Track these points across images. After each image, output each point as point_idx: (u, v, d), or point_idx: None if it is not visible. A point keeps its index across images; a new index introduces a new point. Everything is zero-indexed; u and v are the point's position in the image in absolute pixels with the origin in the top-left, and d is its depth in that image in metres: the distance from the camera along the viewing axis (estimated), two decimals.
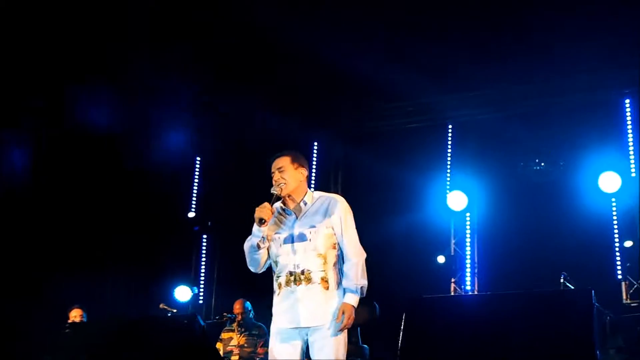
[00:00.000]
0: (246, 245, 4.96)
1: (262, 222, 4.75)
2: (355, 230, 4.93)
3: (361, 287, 4.78)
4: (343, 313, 4.67)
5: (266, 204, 4.78)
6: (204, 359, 4.66)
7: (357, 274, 4.80)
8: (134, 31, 8.92)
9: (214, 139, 11.84)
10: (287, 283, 4.81)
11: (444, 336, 4.20)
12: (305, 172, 5.03)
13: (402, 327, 4.38)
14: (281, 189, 4.88)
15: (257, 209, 4.78)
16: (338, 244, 4.88)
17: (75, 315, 9.00)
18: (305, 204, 4.96)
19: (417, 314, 4.41)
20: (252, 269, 5.03)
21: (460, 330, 4.16)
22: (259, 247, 4.88)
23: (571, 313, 4.01)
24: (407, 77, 9.66)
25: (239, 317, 8.71)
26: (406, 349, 4.29)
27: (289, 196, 4.95)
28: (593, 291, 4.09)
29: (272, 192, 4.89)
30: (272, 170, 4.98)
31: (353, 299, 4.74)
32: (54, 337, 7.08)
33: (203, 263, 11.91)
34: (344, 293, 4.76)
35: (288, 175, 4.94)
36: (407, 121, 10.84)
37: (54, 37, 8.94)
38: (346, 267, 4.82)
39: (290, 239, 4.86)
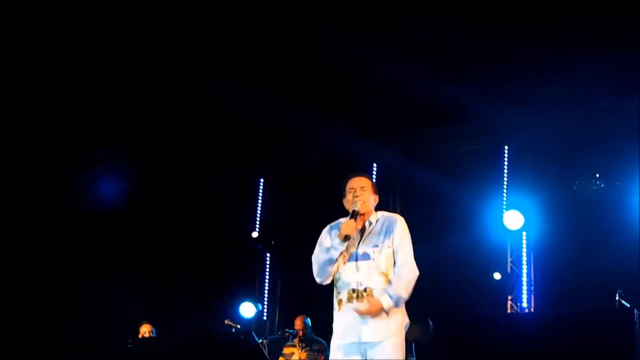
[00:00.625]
0: (322, 256, 5.05)
1: (347, 238, 4.91)
2: (410, 248, 5.03)
3: (398, 297, 4.87)
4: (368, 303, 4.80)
5: (352, 220, 4.93)
6: None
7: (400, 284, 4.90)
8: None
9: (275, 160, 12.18)
10: (349, 300, 4.94)
11: (489, 353, 4.34)
12: (377, 199, 5.19)
13: (450, 345, 4.54)
14: (362, 205, 5.03)
15: (342, 224, 4.93)
16: None
17: (145, 331, 9.18)
18: (370, 223, 5.09)
19: (464, 332, 4.54)
20: (318, 280, 5.10)
21: (505, 347, 4.30)
22: (336, 260, 5.01)
23: (614, 332, 4.12)
24: (464, 99, 9.83)
25: (300, 333, 8.89)
26: None
27: (361, 215, 5.06)
28: (635, 310, 4.22)
29: (354, 209, 5.00)
30: (353, 186, 5.11)
31: (386, 301, 4.83)
32: (118, 351, 7.40)
33: (266, 280, 12.20)
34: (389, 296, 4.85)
35: (367, 195, 5.08)
36: (465, 143, 10.99)
37: None
38: (394, 277, 4.93)
39: (355, 257, 5.00)
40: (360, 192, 5.08)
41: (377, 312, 4.85)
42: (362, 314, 4.87)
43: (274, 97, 10.00)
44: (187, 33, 9.24)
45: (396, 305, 4.89)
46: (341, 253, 5.00)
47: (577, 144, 10.07)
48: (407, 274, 4.97)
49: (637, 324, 4.19)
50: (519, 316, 7.33)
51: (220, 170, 11.49)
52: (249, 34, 9.33)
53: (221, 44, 9.34)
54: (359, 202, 5.04)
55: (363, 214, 5.09)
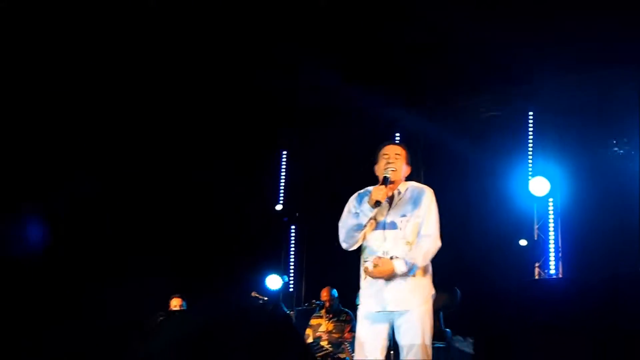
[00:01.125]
0: (350, 222, 5.08)
1: (377, 204, 4.92)
2: (437, 220, 5.05)
3: (413, 264, 4.89)
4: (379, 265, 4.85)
5: (382, 186, 4.95)
6: (287, 344, 4.77)
7: (419, 253, 4.92)
8: None
9: (298, 132, 12.16)
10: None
11: (517, 320, 4.34)
12: (409, 171, 5.22)
13: (478, 313, 4.55)
14: (393, 173, 5.06)
15: (374, 190, 4.96)
16: None
17: (176, 304, 9.30)
18: (399, 193, 5.12)
19: (492, 300, 4.56)
20: (344, 245, 5.15)
21: (533, 314, 4.30)
22: (365, 226, 5.04)
23: None
24: (488, 65, 9.75)
25: (327, 304, 8.92)
26: (483, 333, 4.46)
27: (390, 183, 5.09)
28: None
29: (385, 175, 5.03)
30: (387, 152, 5.14)
31: (399, 265, 4.87)
32: (150, 326, 7.47)
33: (292, 252, 12.26)
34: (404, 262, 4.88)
35: (399, 164, 5.11)
36: (489, 110, 10.91)
37: None
38: (415, 245, 4.94)
39: (382, 226, 5.04)
40: (394, 159, 5.10)
41: (389, 274, 4.87)
42: (373, 275, 4.88)
43: (296, 67, 9.89)
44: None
45: (409, 271, 4.91)
46: (370, 219, 5.00)
47: (602, 108, 9.96)
48: (429, 244, 4.99)
49: None
50: (546, 282, 7.29)
51: (244, 144, 11.48)
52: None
53: (241, 11, 9.25)
54: (390, 170, 5.05)
55: (393, 182, 5.09)
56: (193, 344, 4.83)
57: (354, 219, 5.06)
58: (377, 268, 4.88)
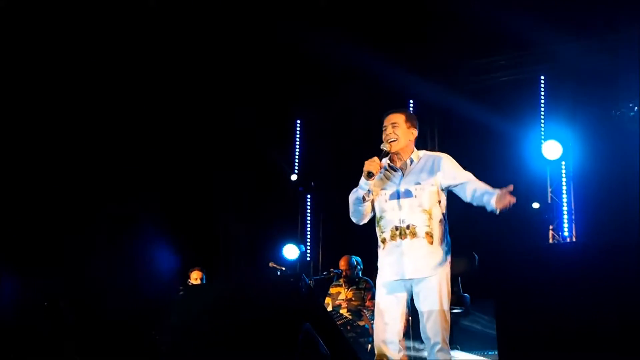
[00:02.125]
0: (351, 197, 5.15)
1: (370, 175, 4.94)
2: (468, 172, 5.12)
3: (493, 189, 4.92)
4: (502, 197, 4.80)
5: (375, 158, 4.98)
6: (310, 315, 4.82)
7: (486, 185, 4.98)
8: None
9: (313, 101, 12.19)
10: (393, 237, 5.02)
11: (534, 283, 4.40)
12: (415, 132, 5.22)
13: (496, 277, 4.61)
14: (391, 146, 5.09)
15: (366, 162, 4.98)
16: (443, 199, 5.08)
17: (196, 277, 9.33)
18: (412, 161, 5.14)
19: (509, 264, 4.61)
20: (354, 220, 5.24)
21: (549, 277, 4.36)
22: (364, 199, 5.07)
23: None
24: (500, 30, 9.73)
25: (345, 273, 8.93)
26: (501, 299, 4.52)
27: (397, 154, 5.14)
28: None
29: (382, 148, 5.09)
30: (385, 124, 5.17)
31: (495, 191, 4.88)
32: (170, 298, 7.56)
33: (308, 222, 12.34)
34: (486, 198, 4.89)
35: (400, 132, 5.12)
36: (501, 74, 10.92)
37: None
38: (477, 188, 4.98)
39: (397, 195, 5.06)
40: (391, 130, 5.12)
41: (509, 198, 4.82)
42: (504, 207, 4.85)
43: (311, 36, 9.90)
44: None
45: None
46: (369, 192, 5.07)
47: (613, 71, 9.95)
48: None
49: None
50: (561, 246, 7.35)
51: (259, 114, 11.52)
52: None
53: None
54: (389, 141, 5.10)
55: (396, 152, 5.14)
56: (213, 318, 4.93)
57: (353, 194, 5.15)
58: (503, 203, 4.84)
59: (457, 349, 7.93)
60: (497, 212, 4.89)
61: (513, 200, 4.80)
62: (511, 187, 4.83)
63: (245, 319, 4.69)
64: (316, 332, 4.53)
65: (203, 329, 4.80)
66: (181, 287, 8.76)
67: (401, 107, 5.32)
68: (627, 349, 3.99)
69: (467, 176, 5.09)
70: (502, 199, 4.83)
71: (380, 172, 5.10)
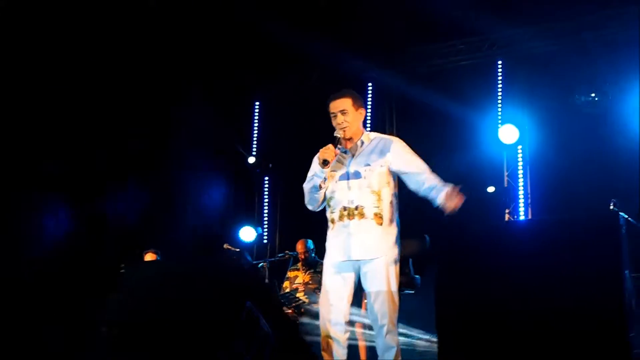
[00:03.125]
0: (307, 186, 5.17)
1: (325, 163, 4.96)
2: (419, 158, 5.12)
3: (443, 183, 4.98)
4: (451, 196, 4.85)
5: (330, 146, 4.99)
6: (252, 292, 4.82)
7: (437, 177, 5.02)
8: None
9: (270, 83, 12.13)
10: (341, 218, 5.03)
11: (486, 262, 4.42)
12: (363, 112, 5.22)
13: (447, 257, 4.61)
14: (344, 132, 5.08)
15: (320, 150, 5.01)
16: (393, 181, 5.08)
17: (150, 259, 9.13)
18: (362, 143, 5.15)
19: (462, 243, 4.61)
20: (310, 207, 5.25)
21: (500, 255, 4.38)
22: (320, 187, 5.08)
23: (601, 236, 4.19)
24: (457, 14, 9.74)
25: (302, 256, 8.95)
26: (443, 279, 4.53)
27: (349, 138, 5.14)
28: (621, 214, 4.32)
29: (335, 135, 5.07)
30: (333, 111, 5.14)
31: (446, 186, 4.93)
32: (114, 276, 7.47)
33: (265, 204, 12.30)
34: (434, 193, 4.95)
35: (350, 117, 5.11)
36: (459, 59, 10.94)
37: None
38: (426, 180, 5.03)
39: (346, 176, 5.06)
40: (342, 118, 5.10)
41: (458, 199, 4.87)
42: (453, 208, 4.88)
43: (268, 18, 9.87)
44: None
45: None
46: (325, 180, 5.07)
47: (570, 56, 10.01)
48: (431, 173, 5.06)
49: (624, 228, 4.26)
50: (511, 224, 7.43)
51: (215, 96, 11.44)
52: None
53: None
54: (341, 128, 5.09)
55: (349, 138, 5.13)
56: (154, 295, 4.88)
57: (309, 182, 5.16)
58: (454, 203, 4.88)
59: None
60: (445, 213, 4.92)
61: (462, 200, 4.85)
62: (459, 187, 4.88)
63: (184, 297, 4.65)
64: (258, 309, 4.49)
65: (144, 306, 4.75)
66: (122, 265, 8.64)
67: (345, 89, 5.25)
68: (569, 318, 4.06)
69: (418, 166, 5.09)
70: (450, 198, 4.87)
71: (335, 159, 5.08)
